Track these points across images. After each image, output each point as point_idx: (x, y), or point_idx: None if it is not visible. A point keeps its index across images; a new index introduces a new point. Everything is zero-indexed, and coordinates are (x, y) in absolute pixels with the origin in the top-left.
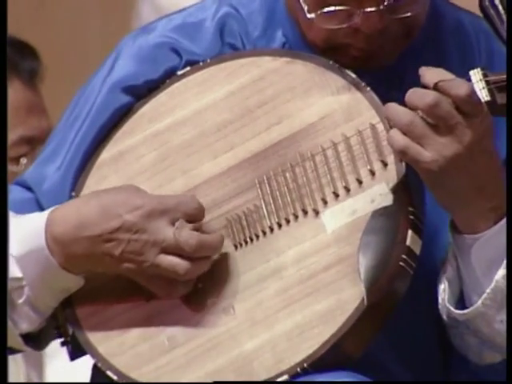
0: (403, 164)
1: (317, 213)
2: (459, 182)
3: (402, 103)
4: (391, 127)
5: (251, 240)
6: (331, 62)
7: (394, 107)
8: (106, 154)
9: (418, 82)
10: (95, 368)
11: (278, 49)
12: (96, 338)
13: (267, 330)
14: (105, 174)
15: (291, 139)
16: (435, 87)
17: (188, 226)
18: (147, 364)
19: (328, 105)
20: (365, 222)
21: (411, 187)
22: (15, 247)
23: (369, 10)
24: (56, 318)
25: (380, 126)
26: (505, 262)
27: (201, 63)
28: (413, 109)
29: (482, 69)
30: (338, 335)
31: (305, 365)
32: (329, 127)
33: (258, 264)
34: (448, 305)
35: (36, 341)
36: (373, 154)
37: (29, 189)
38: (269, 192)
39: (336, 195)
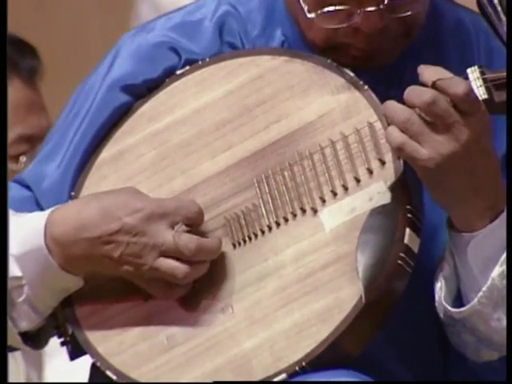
0: (401, 162)
1: (315, 211)
2: (456, 180)
3: (401, 102)
4: (389, 125)
5: (250, 239)
6: (329, 61)
7: (391, 105)
8: (106, 153)
9: (417, 81)
10: (93, 367)
11: (276, 48)
12: (95, 338)
13: (266, 328)
14: (104, 174)
15: (290, 138)
16: (433, 85)
17: (187, 230)
18: (146, 363)
19: (326, 103)
20: (363, 221)
21: (409, 185)
22: (15, 246)
23: (369, 9)
24: (56, 318)
25: (378, 125)
26: (501, 259)
27: (200, 62)
28: (411, 106)
29: (480, 67)
30: (336, 334)
31: (303, 363)
32: (327, 126)
33: (257, 263)
34: (444, 303)
35: (35, 340)
36: (371, 153)
37: (28, 187)
38: (267, 191)
39: (334, 194)
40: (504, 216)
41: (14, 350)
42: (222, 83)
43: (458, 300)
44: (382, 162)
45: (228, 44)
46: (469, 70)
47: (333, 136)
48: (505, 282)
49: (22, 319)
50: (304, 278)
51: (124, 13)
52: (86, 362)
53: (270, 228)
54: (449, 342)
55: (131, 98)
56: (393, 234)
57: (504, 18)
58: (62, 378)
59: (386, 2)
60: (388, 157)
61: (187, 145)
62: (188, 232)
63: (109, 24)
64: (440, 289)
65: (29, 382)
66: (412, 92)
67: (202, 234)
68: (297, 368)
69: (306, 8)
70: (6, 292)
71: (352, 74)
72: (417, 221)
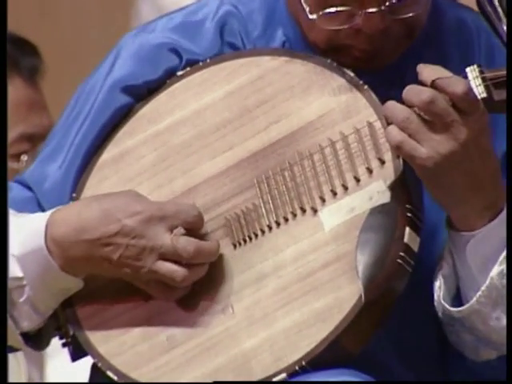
0: (401, 161)
1: (315, 211)
2: (455, 179)
3: (402, 102)
4: (389, 124)
5: (250, 239)
6: (329, 61)
7: (391, 104)
8: (107, 154)
9: (418, 82)
10: (94, 368)
11: (277, 48)
12: (96, 339)
13: (266, 328)
14: (105, 175)
15: (290, 138)
16: (432, 84)
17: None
18: (147, 364)
19: (326, 103)
20: (363, 220)
21: (409, 185)
22: (16, 247)
23: (370, 10)
24: (57, 319)
25: (377, 124)
26: (500, 259)
27: (200, 63)
28: (409, 105)
29: (479, 66)
30: (335, 333)
31: (303, 363)
32: (327, 125)
33: (257, 263)
34: (443, 302)
35: (36, 340)
36: (370, 152)
37: (29, 187)
38: (267, 191)
39: (334, 193)
40: (503, 215)
41: (15, 350)
42: (222, 84)
43: (457, 299)
44: (382, 162)
45: (229, 44)
46: (468, 69)
47: (333, 136)
48: (504, 281)
49: (24, 319)
50: (304, 278)
51: (125, 11)
52: (86, 362)
53: (270, 228)
54: (448, 340)
55: (132, 99)
56: (392, 233)
57: (504, 18)
58: (63, 378)
59: (387, 3)
60: (388, 156)
61: (188, 146)
62: (187, 235)
63: (110, 23)
64: (439, 288)
65: (30, 381)
66: (410, 91)
67: (203, 235)
68: (297, 367)
69: (307, 9)
70: (6, 292)
71: (352, 74)
72: (416, 220)
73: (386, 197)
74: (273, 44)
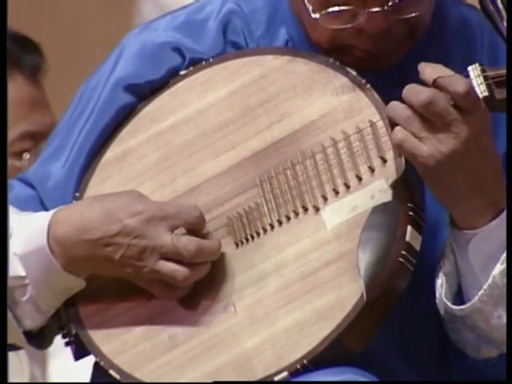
0: (403, 160)
1: (317, 210)
2: (456, 178)
3: (404, 102)
4: (391, 124)
5: (252, 238)
6: (332, 60)
7: (393, 104)
8: (110, 153)
9: (420, 81)
10: (96, 367)
11: (279, 47)
12: (99, 338)
13: (267, 327)
14: (108, 174)
15: (292, 137)
16: (434, 83)
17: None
18: (149, 363)
19: (329, 102)
20: (365, 219)
21: (411, 183)
22: (19, 246)
23: (373, 10)
24: (60, 318)
25: (380, 123)
26: (502, 257)
27: (203, 63)
28: (409, 105)
29: (481, 64)
30: (337, 331)
31: (304, 361)
32: (329, 124)
33: (259, 261)
34: (445, 300)
35: (39, 339)
36: (372, 151)
37: (32, 186)
38: (270, 190)
39: (336, 192)
40: (505, 214)
41: (17, 348)
42: (225, 83)
43: (459, 297)
44: (384, 160)
45: (232, 43)
46: (469, 68)
47: (335, 135)
48: (505, 279)
49: (26, 318)
50: (306, 276)
51: (126, 10)
52: (89, 361)
53: (272, 227)
54: (449, 339)
55: (135, 98)
56: (394, 232)
57: (505, 16)
58: (65, 377)
59: (390, 3)
60: (389, 155)
61: (190, 145)
62: (188, 235)
63: (111, 21)
64: (441, 285)
65: (33, 381)
66: (410, 91)
67: (204, 234)
68: (298, 366)
69: (310, 8)
70: (6, 292)
71: (355, 73)
72: (418, 218)
73: (387, 195)
74: (276, 43)
